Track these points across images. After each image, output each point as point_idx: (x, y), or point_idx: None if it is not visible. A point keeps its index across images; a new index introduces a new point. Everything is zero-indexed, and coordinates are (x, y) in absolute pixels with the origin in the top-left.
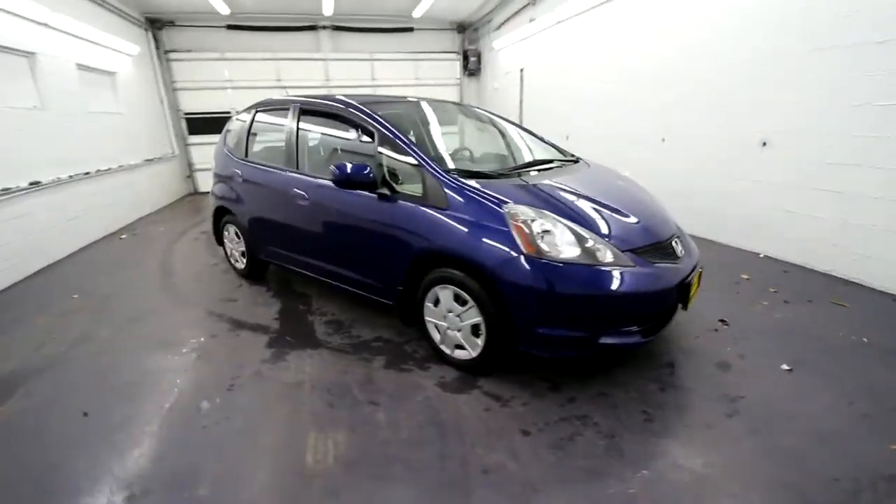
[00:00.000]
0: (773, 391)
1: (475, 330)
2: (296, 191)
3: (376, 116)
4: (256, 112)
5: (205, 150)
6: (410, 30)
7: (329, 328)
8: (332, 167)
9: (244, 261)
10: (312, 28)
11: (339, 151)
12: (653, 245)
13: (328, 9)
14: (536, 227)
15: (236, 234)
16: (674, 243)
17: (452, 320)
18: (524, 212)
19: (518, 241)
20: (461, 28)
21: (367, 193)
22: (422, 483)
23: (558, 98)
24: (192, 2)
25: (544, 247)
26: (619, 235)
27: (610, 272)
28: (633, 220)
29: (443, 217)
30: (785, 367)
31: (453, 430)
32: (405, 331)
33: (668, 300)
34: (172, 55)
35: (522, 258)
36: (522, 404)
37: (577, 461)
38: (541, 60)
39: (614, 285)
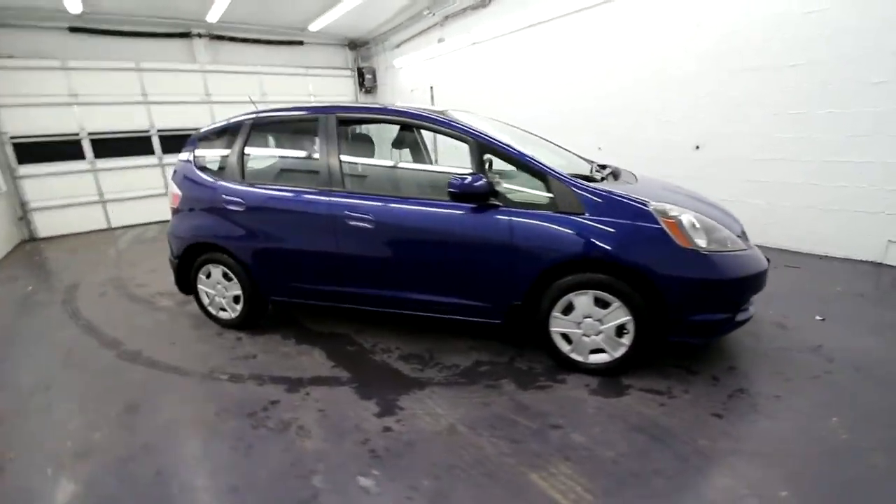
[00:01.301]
0: (832, 337)
1: (619, 331)
2: (349, 213)
3: (472, 126)
4: (252, 126)
5: (47, 183)
6: (300, 43)
7: (412, 364)
8: (452, 179)
9: (239, 307)
10: (185, 35)
11: (422, 166)
12: (742, 231)
13: (214, 15)
14: (685, 222)
15: (225, 275)
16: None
17: (591, 325)
18: (671, 208)
19: (672, 236)
20: (353, 45)
21: (463, 212)
22: (696, 484)
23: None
24: None
25: (696, 239)
26: (727, 224)
27: (746, 256)
28: (719, 211)
29: (582, 223)
30: (818, 318)
31: (659, 431)
32: (499, 349)
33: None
34: None
35: (679, 252)
36: (684, 392)
37: (784, 423)
38: (455, 79)
39: (751, 267)
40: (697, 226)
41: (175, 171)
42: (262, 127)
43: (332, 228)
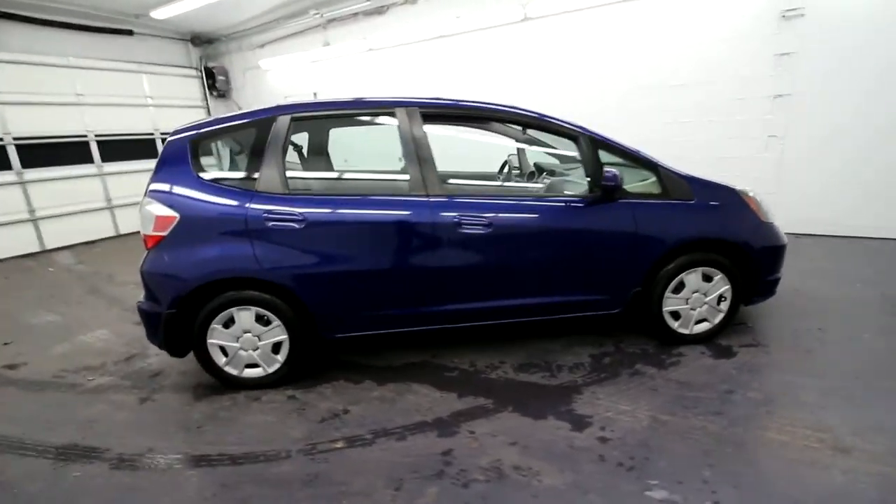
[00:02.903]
0: (796, 283)
1: (718, 300)
2: (458, 220)
3: (576, 124)
4: (292, 122)
5: None
6: (129, 33)
7: (537, 373)
8: (608, 173)
9: (281, 357)
10: None
11: (535, 163)
12: None
13: None
14: (760, 199)
15: (262, 319)
16: None
17: (698, 299)
18: (749, 189)
19: (755, 212)
20: (197, 40)
21: (592, 206)
22: (872, 403)
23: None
24: None
25: (768, 213)
26: None
27: (778, 226)
28: None
29: (694, 208)
30: None
31: (795, 373)
32: (596, 340)
33: None
34: None
35: (761, 225)
36: (770, 340)
37: (857, 346)
38: (346, 85)
39: (783, 234)
40: (761, 202)
41: (159, 186)
42: (305, 123)
43: (435, 238)
